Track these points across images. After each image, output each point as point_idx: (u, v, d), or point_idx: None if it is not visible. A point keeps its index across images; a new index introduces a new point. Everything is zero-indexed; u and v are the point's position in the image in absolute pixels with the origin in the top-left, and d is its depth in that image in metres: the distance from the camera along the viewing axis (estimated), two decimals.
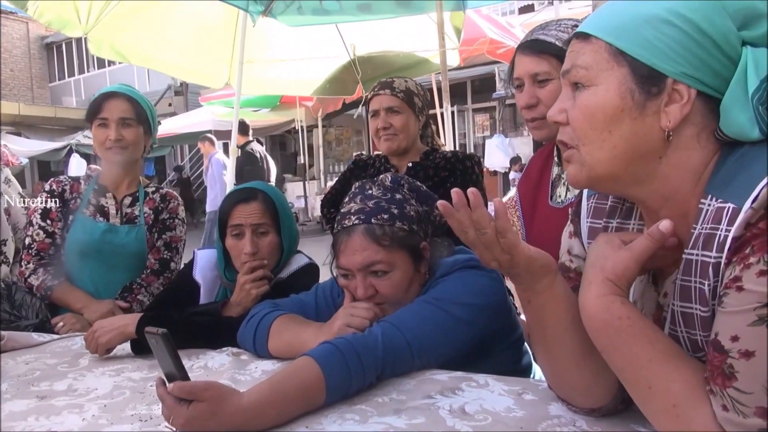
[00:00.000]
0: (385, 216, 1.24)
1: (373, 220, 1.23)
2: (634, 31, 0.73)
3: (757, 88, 0.68)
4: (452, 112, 4.27)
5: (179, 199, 2.12)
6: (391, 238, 1.22)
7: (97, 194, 2.02)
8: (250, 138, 7.41)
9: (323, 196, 2.65)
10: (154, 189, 2.10)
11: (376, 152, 2.41)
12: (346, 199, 1.33)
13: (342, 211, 1.30)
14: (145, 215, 2.01)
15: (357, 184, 1.35)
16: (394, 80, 2.10)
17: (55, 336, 1.72)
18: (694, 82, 0.71)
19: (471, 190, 0.78)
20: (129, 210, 2.02)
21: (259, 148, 7.54)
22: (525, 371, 1.34)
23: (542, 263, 0.83)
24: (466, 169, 2.08)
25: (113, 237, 1.96)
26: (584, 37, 0.77)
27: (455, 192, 0.78)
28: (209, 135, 8.39)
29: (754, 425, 0.63)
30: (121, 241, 1.97)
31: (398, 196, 1.28)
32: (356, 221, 1.24)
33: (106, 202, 2.01)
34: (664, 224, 0.74)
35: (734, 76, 0.70)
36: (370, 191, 1.29)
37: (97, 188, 2.03)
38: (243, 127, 7.12)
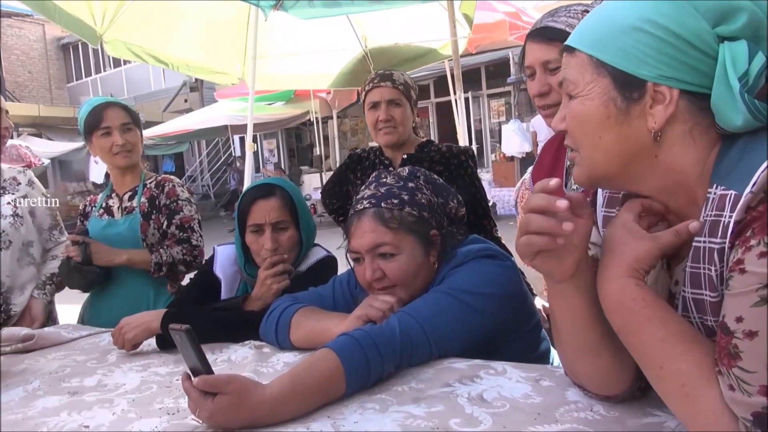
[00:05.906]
0: (395, 201, 1.28)
1: (382, 204, 1.28)
2: (610, 42, 0.77)
3: (741, 84, 0.69)
4: (467, 99, 4.26)
5: (174, 180, 2.23)
6: (399, 222, 1.26)
7: (108, 197, 2.24)
8: None
9: (321, 188, 2.69)
10: (152, 179, 2.23)
11: (370, 145, 2.44)
12: (363, 186, 1.37)
13: (356, 197, 1.35)
14: (141, 204, 2.15)
15: (374, 173, 1.39)
16: (393, 72, 2.11)
17: (84, 332, 1.77)
18: (676, 83, 0.74)
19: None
20: (129, 204, 2.18)
21: None
22: (542, 357, 1.35)
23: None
24: (460, 163, 2.11)
25: (110, 229, 2.13)
26: (570, 50, 0.82)
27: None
28: None
29: (757, 404, 0.64)
30: (117, 231, 2.13)
31: (411, 184, 1.32)
32: (367, 205, 1.29)
33: (113, 202, 2.21)
34: (694, 225, 0.75)
35: (716, 75, 0.71)
36: (384, 179, 1.34)
37: (109, 192, 2.25)
38: None
